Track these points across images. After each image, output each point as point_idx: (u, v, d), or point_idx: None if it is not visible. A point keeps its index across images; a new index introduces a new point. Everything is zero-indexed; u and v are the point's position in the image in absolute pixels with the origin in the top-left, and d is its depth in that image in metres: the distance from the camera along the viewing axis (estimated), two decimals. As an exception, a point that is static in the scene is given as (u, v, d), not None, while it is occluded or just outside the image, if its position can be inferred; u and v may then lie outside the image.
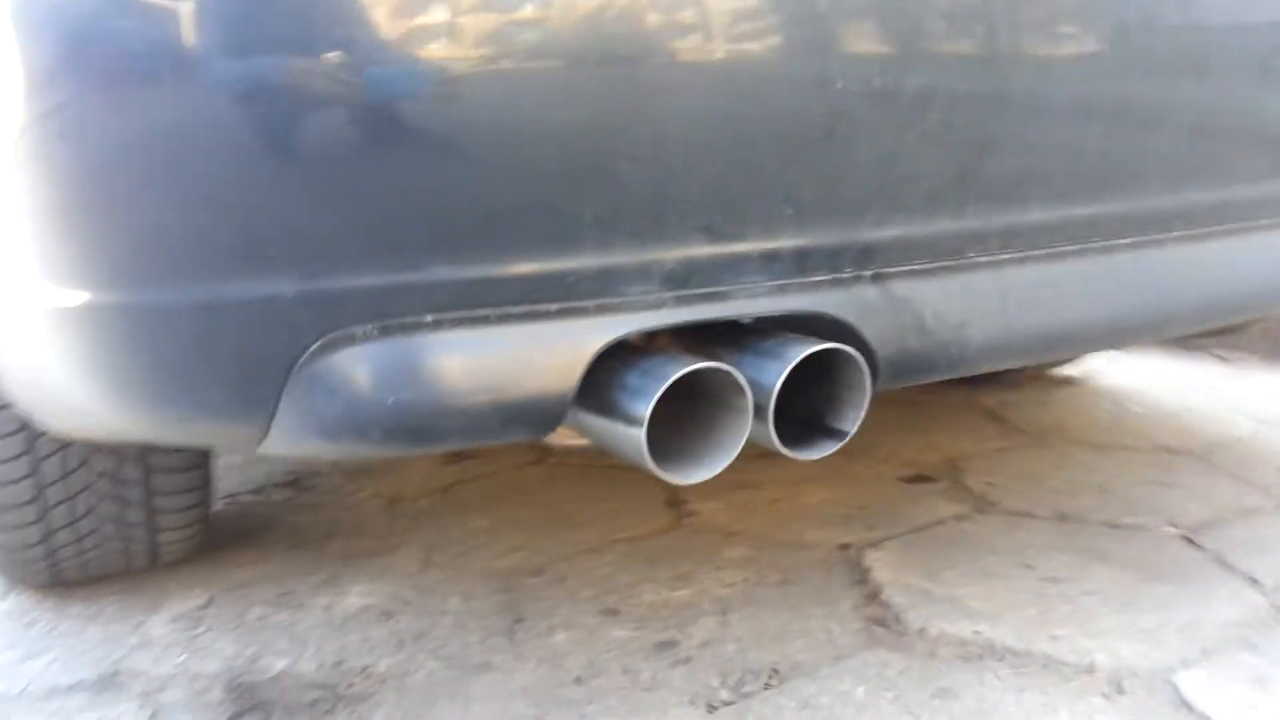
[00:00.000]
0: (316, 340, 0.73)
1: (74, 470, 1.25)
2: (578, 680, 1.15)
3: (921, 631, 1.21)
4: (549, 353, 0.75)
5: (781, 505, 1.63)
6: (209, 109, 0.69)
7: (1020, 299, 0.89)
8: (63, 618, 1.34)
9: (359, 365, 0.73)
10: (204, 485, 1.39)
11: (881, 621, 1.25)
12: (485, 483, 1.81)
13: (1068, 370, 2.36)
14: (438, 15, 0.69)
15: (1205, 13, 0.93)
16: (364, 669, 1.20)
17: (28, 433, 1.21)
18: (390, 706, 1.11)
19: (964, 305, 0.87)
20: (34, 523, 1.26)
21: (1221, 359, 2.47)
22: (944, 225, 0.85)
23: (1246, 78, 0.96)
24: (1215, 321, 1.03)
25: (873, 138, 0.80)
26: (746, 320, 0.82)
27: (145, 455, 1.29)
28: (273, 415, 0.76)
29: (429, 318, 0.73)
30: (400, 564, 1.47)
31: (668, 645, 1.21)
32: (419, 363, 0.74)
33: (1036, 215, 0.89)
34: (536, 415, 0.76)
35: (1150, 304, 0.95)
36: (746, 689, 1.11)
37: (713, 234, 0.77)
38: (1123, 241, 0.94)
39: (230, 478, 1.88)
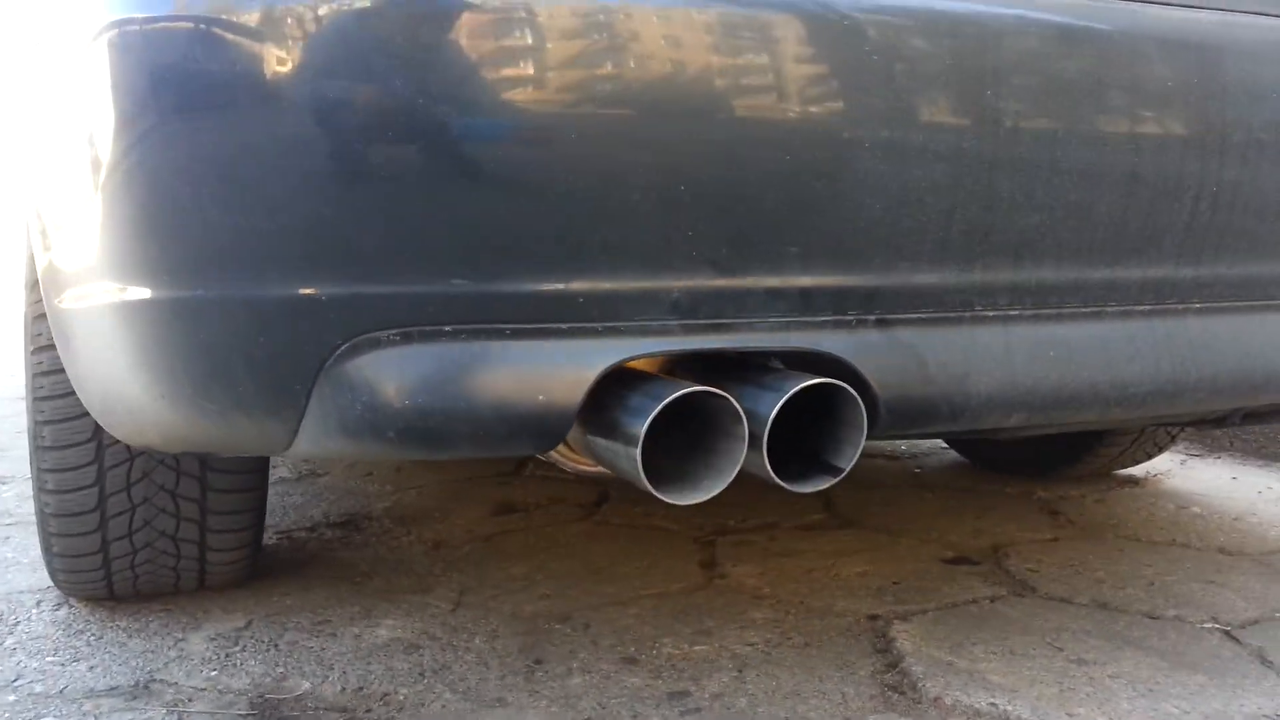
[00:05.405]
0: (345, 342, 0.79)
1: (137, 482, 1.33)
2: (587, 720, 1.16)
3: (936, 700, 1.20)
4: (557, 369, 0.80)
5: (816, 575, 1.62)
6: (261, 137, 0.76)
7: (1027, 356, 0.91)
8: (108, 629, 1.41)
9: (381, 368, 0.79)
10: (255, 510, 1.45)
11: (898, 688, 1.24)
12: (528, 534, 1.85)
13: (1132, 470, 2.32)
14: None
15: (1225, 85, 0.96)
16: (384, 696, 1.23)
17: (98, 441, 1.29)
18: (403, 731, 1.14)
19: (968, 357, 0.89)
20: (93, 532, 1.34)
21: (1299, 469, 2.40)
22: (950, 277, 0.88)
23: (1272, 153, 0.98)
24: (1233, 400, 1.01)
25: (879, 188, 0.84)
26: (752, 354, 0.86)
27: (203, 472, 1.36)
28: (303, 413, 0.82)
29: (447, 328, 0.79)
30: (433, 602, 1.51)
31: (680, 695, 1.22)
32: (435, 369, 0.79)
33: (1048, 274, 0.91)
34: (542, 427, 0.80)
35: (1161, 373, 0.95)
36: (752, 740, 1.12)
37: (718, 268, 0.81)
38: (1136, 308, 0.95)
39: (287, 516, 1.95)
